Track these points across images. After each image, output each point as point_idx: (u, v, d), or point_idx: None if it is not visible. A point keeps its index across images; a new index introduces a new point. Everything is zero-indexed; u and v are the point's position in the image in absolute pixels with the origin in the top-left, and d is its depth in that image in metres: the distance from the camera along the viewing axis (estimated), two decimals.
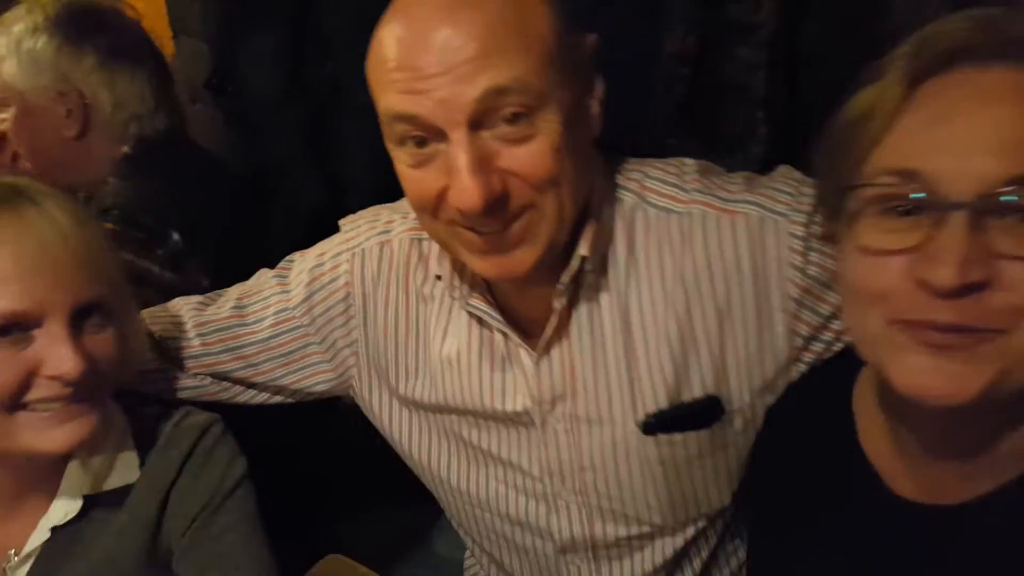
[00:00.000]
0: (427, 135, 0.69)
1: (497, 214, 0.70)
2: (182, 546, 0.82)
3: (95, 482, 0.81)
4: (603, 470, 0.85)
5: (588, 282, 0.81)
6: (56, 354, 0.70)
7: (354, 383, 0.97)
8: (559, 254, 0.77)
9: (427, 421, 0.93)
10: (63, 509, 0.79)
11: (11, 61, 1.17)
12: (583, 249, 0.77)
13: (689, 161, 0.85)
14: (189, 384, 0.97)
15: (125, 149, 1.22)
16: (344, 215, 0.99)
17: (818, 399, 0.78)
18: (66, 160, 1.22)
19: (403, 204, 0.89)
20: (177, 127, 1.30)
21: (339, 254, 0.94)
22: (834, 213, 0.63)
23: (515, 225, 0.72)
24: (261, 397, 1.00)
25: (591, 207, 0.78)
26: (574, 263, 0.77)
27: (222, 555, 0.82)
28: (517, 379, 0.85)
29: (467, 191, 0.67)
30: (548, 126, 0.69)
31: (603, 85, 0.76)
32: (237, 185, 1.43)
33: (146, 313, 0.97)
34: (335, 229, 0.99)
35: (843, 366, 0.74)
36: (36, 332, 0.71)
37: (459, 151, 0.67)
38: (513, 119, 0.67)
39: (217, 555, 0.82)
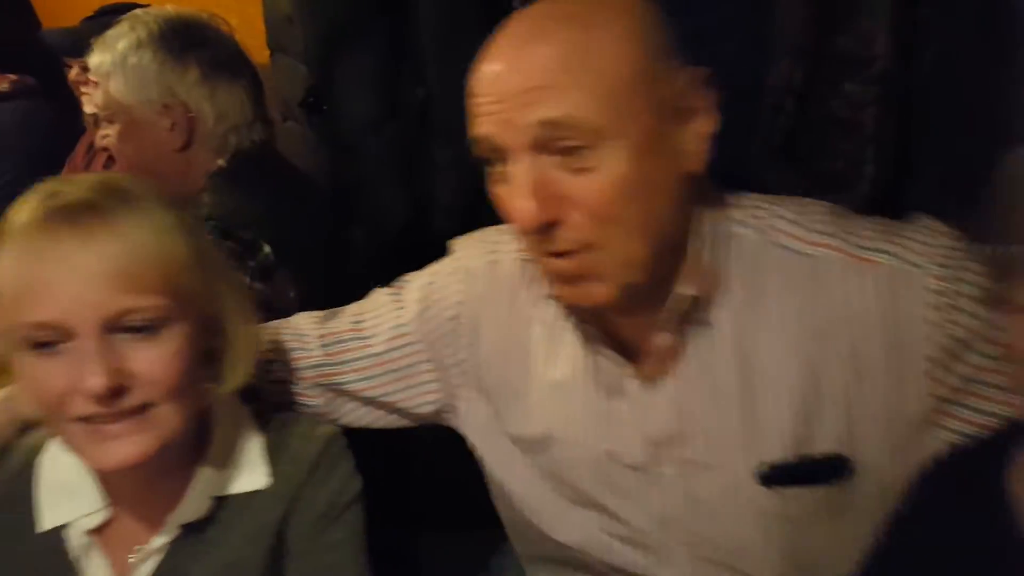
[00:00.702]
0: (499, 157, 0.72)
1: (559, 241, 0.71)
2: (294, 551, 0.83)
3: (224, 485, 0.82)
4: (716, 520, 0.81)
5: (699, 319, 0.78)
6: (84, 369, 0.69)
7: (458, 405, 0.96)
8: (657, 287, 0.75)
9: (527, 454, 0.91)
10: (191, 508, 0.80)
11: (117, 77, 1.21)
12: (685, 287, 0.75)
13: (814, 201, 0.82)
14: (307, 397, 0.98)
15: (221, 162, 1.26)
16: (430, 236, 1.00)
17: (970, 477, 0.71)
18: (167, 172, 1.26)
19: None
20: (270, 140, 1.33)
21: (450, 273, 0.95)
22: (1003, 275, 0.59)
23: (577, 257, 0.72)
24: (371, 416, 1.00)
25: (691, 244, 0.76)
26: (677, 301, 0.76)
27: (331, 567, 0.83)
28: (624, 412, 0.82)
29: (518, 211, 0.70)
30: (610, 161, 0.69)
31: (713, 119, 0.74)
32: (324, 201, 1.46)
33: (271, 326, 1.00)
34: (419, 248, 1.00)
35: (1002, 442, 0.68)
36: (70, 345, 0.70)
37: (516, 171, 0.70)
38: (568, 151, 0.69)
39: (327, 566, 0.83)
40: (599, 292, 0.73)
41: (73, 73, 1.80)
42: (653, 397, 0.80)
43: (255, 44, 1.59)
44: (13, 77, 2.25)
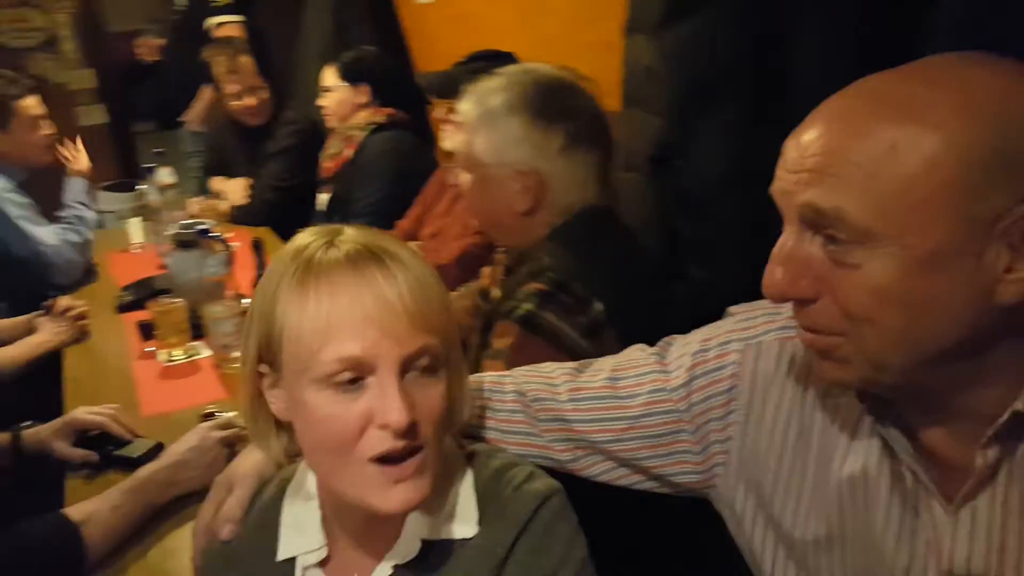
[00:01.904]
0: (782, 218, 0.69)
1: (808, 317, 0.68)
2: None
3: (434, 528, 0.80)
4: None
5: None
6: (387, 404, 0.70)
7: (717, 484, 0.87)
8: (957, 393, 0.67)
9: (800, 555, 0.80)
10: (404, 549, 0.79)
11: (482, 134, 1.23)
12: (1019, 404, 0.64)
13: None
14: (552, 449, 0.94)
15: (564, 220, 1.24)
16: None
17: None
18: (508, 226, 1.27)
19: None
20: (613, 204, 1.28)
21: (728, 342, 0.86)
22: None
23: (824, 339, 0.68)
24: (623, 478, 0.93)
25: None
26: (1007, 419, 0.64)
27: None
28: (925, 532, 0.71)
29: (765, 276, 0.68)
30: (876, 265, 0.62)
31: None
32: (656, 263, 1.39)
33: (520, 371, 0.98)
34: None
35: None
36: (369, 381, 0.71)
37: (781, 239, 0.67)
38: (833, 239, 0.64)
39: None
40: (837, 374, 0.69)
41: (439, 112, 1.96)
42: (961, 522, 0.69)
43: (605, 93, 1.60)
44: (390, 111, 2.56)
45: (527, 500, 0.81)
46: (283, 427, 0.81)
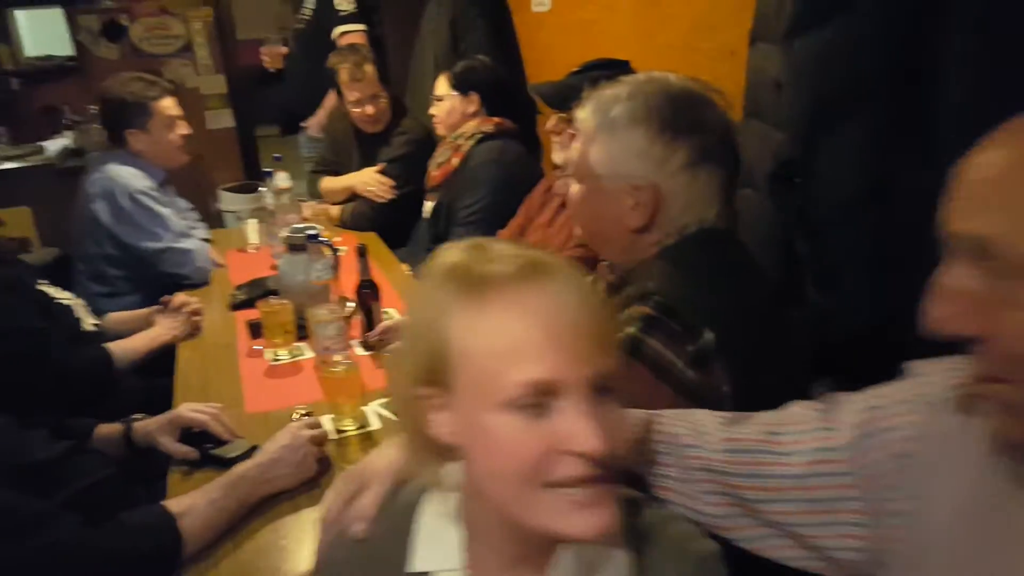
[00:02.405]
0: (946, 248, 0.64)
1: (979, 360, 0.63)
2: None
3: (584, 570, 0.75)
4: None
5: None
6: (579, 429, 0.65)
7: (889, 563, 0.76)
8: None
9: None
10: None
11: (599, 144, 1.16)
12: None
13: None
14: (703, 502, 0.87)
15: (676, 239, 1.16)
16: (899, 342, 0.82)
17: None
18: (616, 242, 1.20)
19: None
20: (733, 226, 1.19)
21: (903, 401, 0.77)
22: None
23: (990, 387, 0.63)
24: (766, 544, 0.85)
25: None
26: None
27: None
28: None
29: (928, 306, 0.62)
30: None
31: None
32: (773, 291, 1.28)
33: (669, 414, 0.91)
34: (884, 355, 0.83)
35: None
36: (556, 405, 0.66)
37: (943, 268, 0.63)
38: (997, 273, 0.59)
39: None
40: (1007, 427, 0.63)
41: (550, 123, 1.92)
42: None
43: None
44: (498, 120, 2.55)
45: (684, 559, 0.75)
46: (444, 450, 0.74)
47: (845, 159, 1.25)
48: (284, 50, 3.68)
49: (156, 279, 2.37)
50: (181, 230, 2.43)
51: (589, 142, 1.17)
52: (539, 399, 0.66)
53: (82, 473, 1.37)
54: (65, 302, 2.00)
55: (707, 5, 2.22)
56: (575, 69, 1.90)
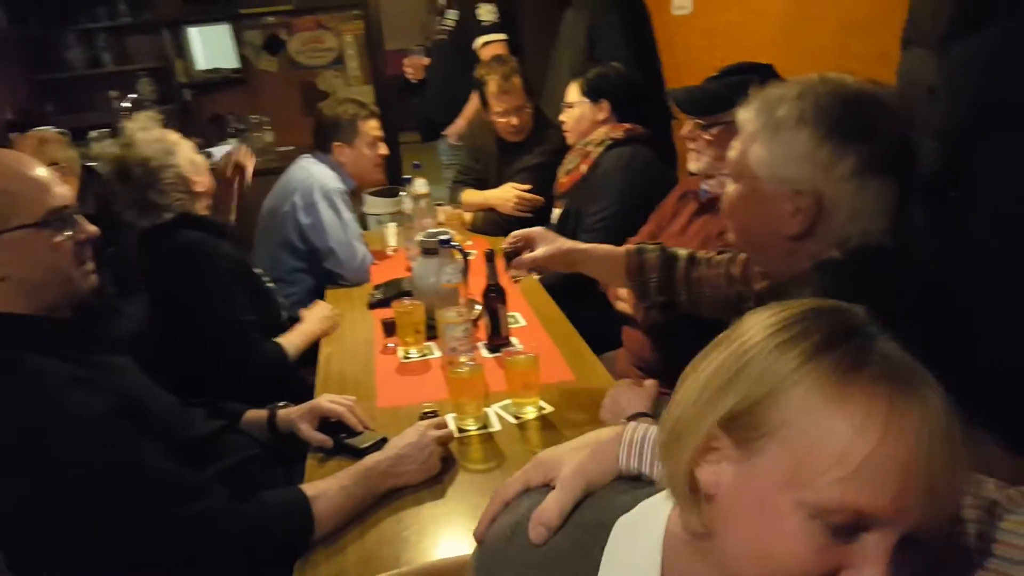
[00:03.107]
0: None
1: None
2: None
3: None
4: None
5: None
6: (869, 571, 0.58)
7: None
8: None
9: None
10: None
11: (761, 144, 1.11)
12: None
13: None
14: None
15: (836, 253, 1.09)
16: None
17: None
18: (769, 248, 1.15)
19: None
20: (904, 244, 1.11)
21: None
22: None
23: None
24: None
25: None
26: None
27: None
28: None
29: None
30: None
31: None
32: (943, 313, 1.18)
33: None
34: None
35: None
36: (865, 537, 0.58)
37: None
38: None
39: None
40: None
41: (685, 129, 1.88)
42: None
43: None
44: (628, 126, 2.53)
45: None
46: (694, 492, 0.67)
47: (1005, 173, 1.14)
48: (425, 61, 3.81)
49: (323, 273, 2.57)
50: (356, 235, 2.61)
51: (750, 141, 1.13)
52: (854, 525, 0.58)
53: (231, 451, 1.49)
54: (269, 285, 2.25)
55: (857, 6, 2.10)
56: (713, 74, 1.85)
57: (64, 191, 1.28)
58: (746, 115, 1.15)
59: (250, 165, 2.42)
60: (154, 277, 2.07)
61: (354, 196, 2.77)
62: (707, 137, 1.82)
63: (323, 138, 2.67)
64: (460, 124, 3.56)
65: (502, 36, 3.42)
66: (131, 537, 1.15)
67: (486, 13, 3.39)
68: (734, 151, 1.18)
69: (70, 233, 1.27)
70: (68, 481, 1.11)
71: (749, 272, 1.41)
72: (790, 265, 1.11)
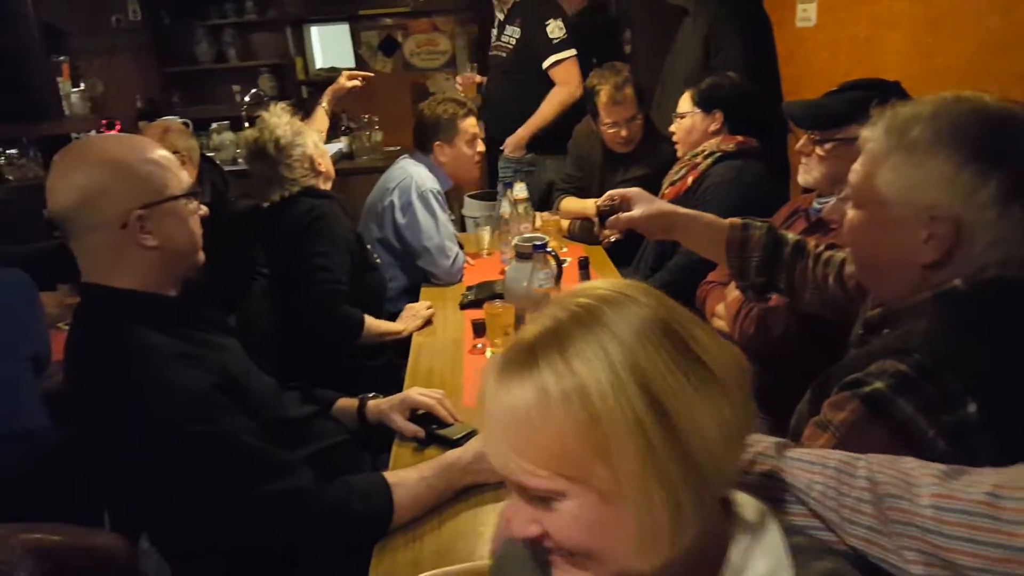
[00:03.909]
0: None
1: None
2: None
3: None
4: None
5: None
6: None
7: None
8: None
9: None
10: None
11: (890, 166, 1.04)
12: None
13: None
14: (896, 551, 0.78)
15: (958, 282, 1.01)
16: None
17: None
18: (896, 276, 1.07)
19: None
20: None
21: None
22: None
23: None
24: None
25: None
26: None
27: None
28: None
29: None
30: None
31: None
32: None
33: (876, 457, 0.83)
34: None
35: None
36: None
37: None
38: None
39: None
40: None
41: (800, 143, 1.80)
42: None
43: None
44: (740, 138, 2.45)
45: None
46: None
47: None
48: (479, 78, 3.79)
49: (416, 272, 2.63)
50: (450, 236, 2.65)
51: (877, 164, 1.05)
52: None
53: (322, 436, 1.53)
54: (377, 262, 2.46)
55: (999, 23, 1.96)
56: (834, 88, 1.76)
57: (186, 173, 1.37)
58: (870, 135, 1.08)
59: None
60: (276, 243, 2.27)
61: (452, 196, 2.81)
62: (820, 152, 1.74)
63: (424, 138, 2.72)
64: (522, 135, 3.51)
65: (572, 52, 3.39)
66: (219, 508, 1.19)
67: (556, 30, 3.36)
68: (856, 174, 1.11)
69: (199, 207, 1.37)
70: (165, 448, 1.17)
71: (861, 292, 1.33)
72: (909, 294, 1.04)
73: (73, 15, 4.80)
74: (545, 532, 0.69)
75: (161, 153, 1.32)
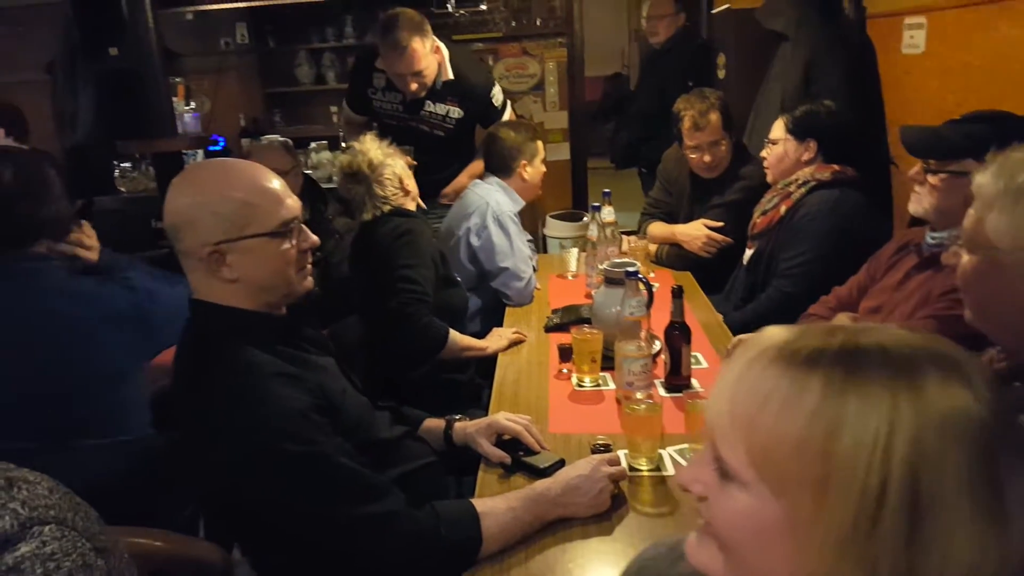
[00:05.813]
0: None
1: None
2: None
3: None
4: None
5: None
6: None
7: None
8: None
9: None
10: None
11: (1003, 214, 1.02)
12: None
13: None
14: None
15: None
16: None
17: None
18: (1014, 325, 1.03)
19: None
20: None
21: None
22: None
23: None
24: None
25: None
26: None
27: None
28: None
29: None
30: None
31: None
32: None
33: None
34: None
35: None
36: None
37: None
38: None
39: None
40: None
41: (914, 171, 1.72)
42: None
43: None
44: (836, 167, 2.37)
45: None
46: None
47: None
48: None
49: (490, 294, 2.65)
50: (523, 258, 2.66)
51: (987, 209, 1.03)
52: None
53: (411, 457, 1.55)
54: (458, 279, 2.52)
55: None
56: (954, 119, 1.68)
57: (294, 203, 1.37)
58: (983, 179, 1.06)
59: None
60: (368, 259, 2.35)
61: (523, 215, 2.84)
62: (933, 181, 1.66)
63: (504, 160, 2.75)
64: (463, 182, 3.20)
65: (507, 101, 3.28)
66: (311, 527, 1.21)
67: (498, 94, 3.23)
68: (969, 219, 1.08)
69: (295, 242, 1.36)
70: (258, 466, 1.19)
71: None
72: None
73: (187, 39, 5.09)
74: (706, 499, 0.66)
75: (263, 186, 1.32)
